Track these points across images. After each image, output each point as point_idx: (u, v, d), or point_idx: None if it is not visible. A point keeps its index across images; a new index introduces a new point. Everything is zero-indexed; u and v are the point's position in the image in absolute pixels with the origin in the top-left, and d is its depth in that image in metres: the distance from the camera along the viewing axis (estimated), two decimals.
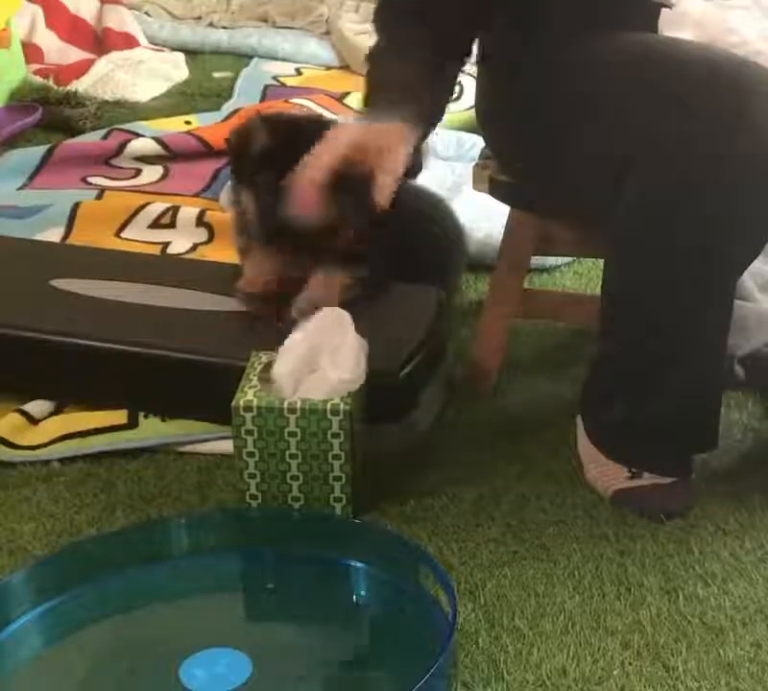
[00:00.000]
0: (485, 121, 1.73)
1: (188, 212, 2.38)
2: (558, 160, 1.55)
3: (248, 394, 1.53)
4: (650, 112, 1.40)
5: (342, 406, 1.51)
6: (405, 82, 1.50)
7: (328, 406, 1.50)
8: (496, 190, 1.77)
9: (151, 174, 2.64)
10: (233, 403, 1.52)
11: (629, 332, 1.55)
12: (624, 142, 1.43)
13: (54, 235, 2.28)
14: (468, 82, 3.13)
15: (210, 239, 2.31)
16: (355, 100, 3.07)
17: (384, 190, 1.43)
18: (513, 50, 1.60)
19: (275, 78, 3.35)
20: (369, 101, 1.54)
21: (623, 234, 1.48)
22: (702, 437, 1.61)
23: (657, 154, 1.40)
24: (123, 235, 2.31)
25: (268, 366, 1.58)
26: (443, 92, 1.58)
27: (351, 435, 1.52)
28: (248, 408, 1.52)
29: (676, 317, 1.49)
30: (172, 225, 2.36)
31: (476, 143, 2.60)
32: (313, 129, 1.64)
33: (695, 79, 1.39)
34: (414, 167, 1.52)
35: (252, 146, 1.73)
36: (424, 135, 1.52)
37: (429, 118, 1.52)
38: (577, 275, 2.25)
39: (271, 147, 1.71)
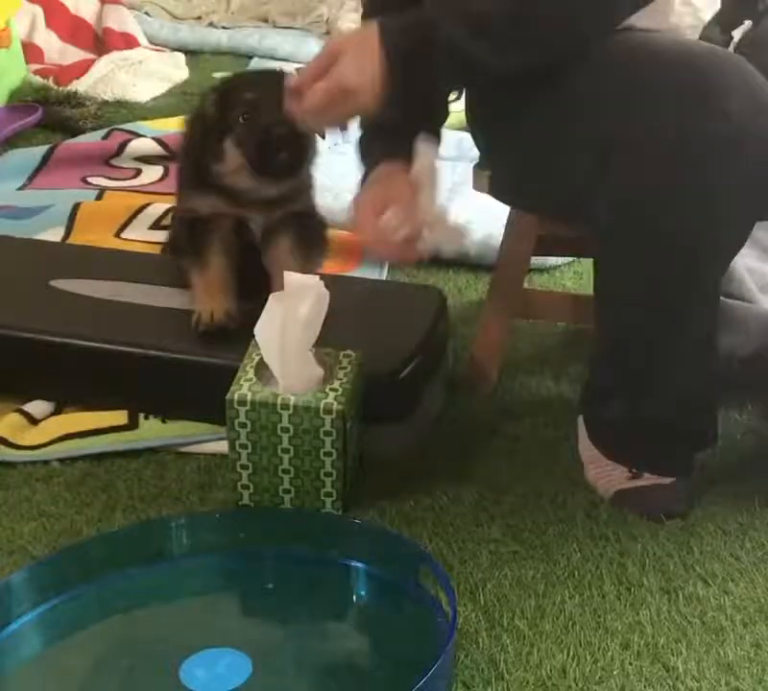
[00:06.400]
0: (475, 123, 1.72)
1: None
2: (553, 161, 1.54)
3: (243, 388, 1.53)
4: (627, 109, 1.40)
5: (335, 405, 1.50)
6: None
7: (322, 404, 1.50)
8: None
9: (151, 174, 2.63)
10: (228, 396, 1.52)
11: (621, 331, 1.55)
12: (605, 141, 1.42)
13: (54, 235, 2.28)
14: None
15: None
16: None
17: None
18: None
19: None
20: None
21: (605, 232, 1.48)
22: (702, 436, 1.61)
23: (632, 149, 1.40)
24: (123, 236, 2.30)
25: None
26: None
27: (344, 433, 1.52)
28: (242, 402, 1.52)
29: (663, 312, 1.48)
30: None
31: None
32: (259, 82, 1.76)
33: (674, 76, 1.38)
34: None
35: (207, 121, 1.79)
36: None
37: None
38: (577, 275, 2.25)
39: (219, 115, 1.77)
